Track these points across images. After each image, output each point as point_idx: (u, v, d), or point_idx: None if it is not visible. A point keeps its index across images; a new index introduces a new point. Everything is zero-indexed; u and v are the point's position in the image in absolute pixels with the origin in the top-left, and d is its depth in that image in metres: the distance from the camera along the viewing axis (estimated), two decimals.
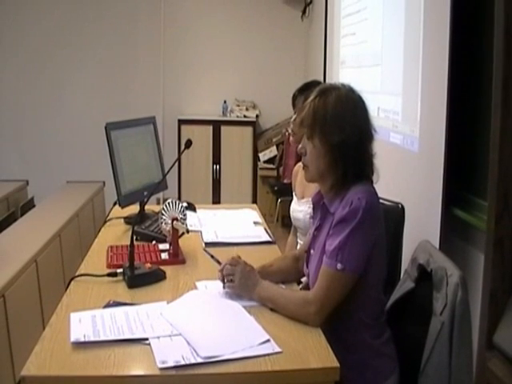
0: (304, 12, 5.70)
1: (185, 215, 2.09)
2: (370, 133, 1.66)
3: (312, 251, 1.75)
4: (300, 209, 2.41)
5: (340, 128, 1.60)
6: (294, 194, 2.55)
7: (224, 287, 1.72)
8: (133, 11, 5.73)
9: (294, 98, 2.43)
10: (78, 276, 1.85)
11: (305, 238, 2.04)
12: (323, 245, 1.65)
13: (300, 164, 2.51)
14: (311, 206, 2.25)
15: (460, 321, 1.45)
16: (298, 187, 2.50)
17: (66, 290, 1.78)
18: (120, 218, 2.57)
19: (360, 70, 3.52)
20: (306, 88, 2.38)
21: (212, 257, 1.86)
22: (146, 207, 2.56)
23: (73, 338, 1.40)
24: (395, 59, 2.88)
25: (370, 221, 1.57)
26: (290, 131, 2.44)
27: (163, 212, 2.08)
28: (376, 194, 1.65)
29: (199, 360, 1.32)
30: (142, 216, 2.42)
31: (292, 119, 2.44)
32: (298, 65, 5.87)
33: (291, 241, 2.58)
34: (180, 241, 2.11)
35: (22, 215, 3.53)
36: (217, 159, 5.70)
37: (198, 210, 2.76)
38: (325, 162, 1.64)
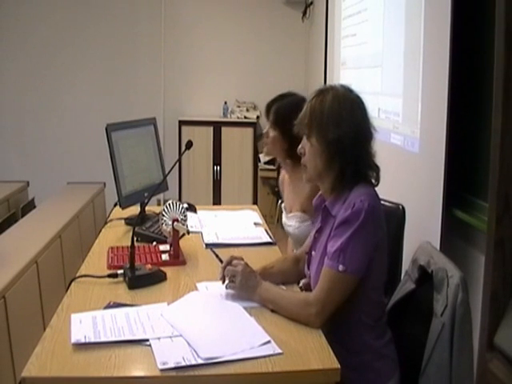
0: (305, 13, 5.70)
1: (185, 216, 2.09)
2: (369, 131, 1.66)
3: (313, 253, 1.76)
4: (289, 223, 2.37)
5: (336, 125, 1.61)
6: (283, 205, 2.50)
7: (226, 287, 1.72)
8: (133, 13, 5.73)
9: (268, 108, 2.38)
10: (79, 277, 1.86)
11: (299, 247, 2.04)
12: (324, 246, 1.65)
13: (284, 173, 2.50)
14: (298, 219, 2.26)
15: (461, 322, 1.45)
16: (286, 200, 2.46)
17: (66, 291, 1.78)
18: (120, 219, 2.57)
19: (360, 71, 3.52)
20: (280, 98, 2.36)
21: (216, 256, 1.86)
22: (147, 208, 2.56)
23: (73, 339, 1.40)
24: (396, 60, 2.88)
25: (372, 223, 1.57)
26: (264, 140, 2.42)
27: (164, 213, 2.08)
28: (378, 197, 1.65)
29: (200, 361, 1.32)
30: (142, 217, 2.42)
31: (264, 131, 2.41)
32: (298, 66, 5.88)
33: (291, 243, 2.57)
34: (181, 242, 2.11)
35: (22, 216, 3.52)
36: (217, 160, 5.70)
37: (198, 211, 2.76)
38: (322, 160, 1.65)
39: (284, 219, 2.44)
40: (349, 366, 1.40)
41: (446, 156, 2.27)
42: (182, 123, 5.63)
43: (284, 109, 2.31)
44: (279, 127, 2.32)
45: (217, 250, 1.93)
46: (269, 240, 2.34)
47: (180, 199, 5.46)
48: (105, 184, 4.30)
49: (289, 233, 2.40)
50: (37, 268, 2.51)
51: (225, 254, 1.86)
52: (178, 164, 2.31)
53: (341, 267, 1.55)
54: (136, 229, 2.01)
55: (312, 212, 2.17)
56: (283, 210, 2.48)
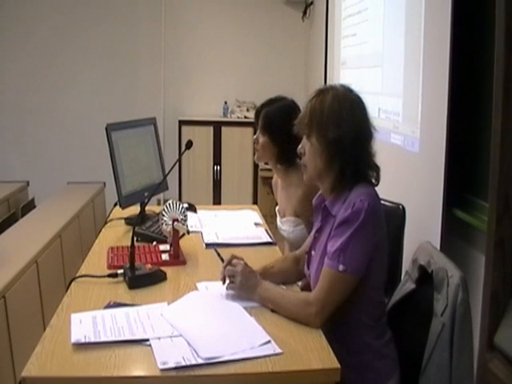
0: (305, 13, 5.70)
1: (185, 216, 2.09)
2: (369, 131, 1.66)
3: (313, 252, 1.75)
4: (283, 228, 2.35)
5: (336, 125, 1.61)
6: (277, 209, 2.47)
7: (226, 288, 1.72)
8: (134, 13, 5.73)
9: (257, 113, 2.35)
10: (79, 277, 1.86)
11: (295, 251, 2.03)
12: (324, 246, 1.65)
13: (275, 177, 2.49)
14: (292, 224, 2.24)
15: (461, 322, 1.45)
16: (280, 204, 2.44)
17: (66, 290, 1.78)
18: (120, 218, 2.57)
19: (361, 71, 3.52)
20: (269, 103, 2.33)
21: (218, 255, 1.86)
22: (147, 208, 2.56)
23: (73, 339, 1.40)
24: (396, 60, 2.88)
25: (372, 223, 1.57)
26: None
27: (164, 213, 2.08)
28: (378, 197, 1.65)
29: (200, 361, 1.32)
30: (142, 217, 2.42)
31: (254, 136, 2.38)
32: (298, 66, 5.88)
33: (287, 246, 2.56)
34: (181, 242, 2.11)
35: (22, 216, 3.52)
36: (217, 160, 5.70)
37: (198, 211, 2.76)
38: (322, 160, 1.65)
39: (278, 223, 2.42)
40: (349, 366, 1.40)
41: (446, 156, 2.27)
42: (182, 123, 5.62)
43: (273, 114, 2.29)
44: (268, 133, 2.30)
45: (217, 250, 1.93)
46: (269, 240, 2.34)
47: (180, 199, 5.46)
48: (105, 184, 4.31)
49: (283, 237, 2.40)
50: (37, 268, 2.51)
51: (225, 254, 1.86)
52: (178, 164, 2.31)
53: (341, 267, 1.55)
54: (136, 229, 2.01)
55: (305, 216, 2.18)
56: (277, 214, 2.46)
